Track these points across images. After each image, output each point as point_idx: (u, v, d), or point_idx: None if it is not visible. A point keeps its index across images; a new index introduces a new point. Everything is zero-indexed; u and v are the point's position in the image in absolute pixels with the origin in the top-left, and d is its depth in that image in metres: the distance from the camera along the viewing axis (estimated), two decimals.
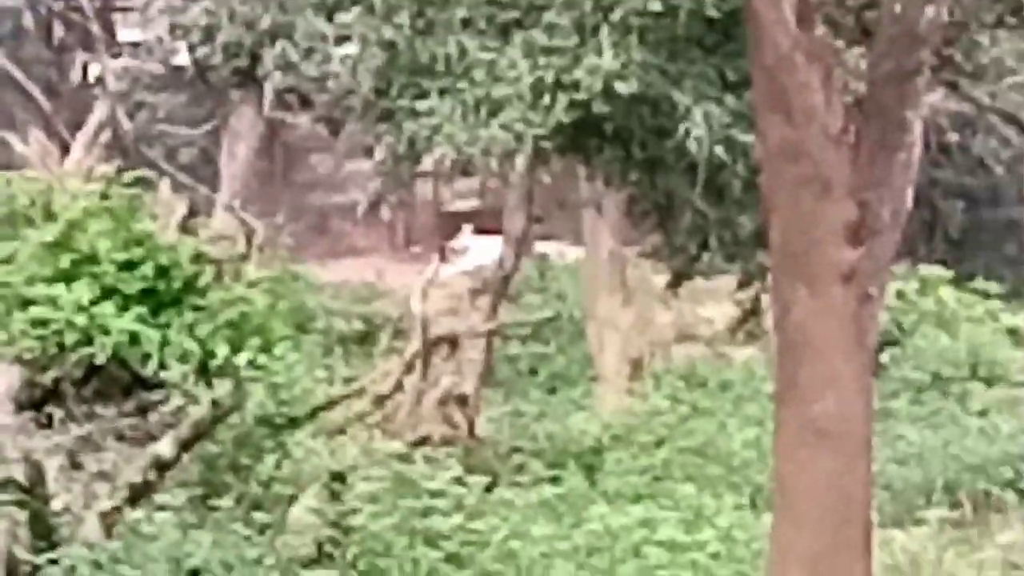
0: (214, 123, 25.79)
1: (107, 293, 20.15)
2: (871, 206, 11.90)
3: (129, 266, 20.14)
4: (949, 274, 26.30)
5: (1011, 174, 20.52)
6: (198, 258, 20.51)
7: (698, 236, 16.18)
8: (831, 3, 12.87)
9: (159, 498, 18.21)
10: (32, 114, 22.64)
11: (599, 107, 13.68)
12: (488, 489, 20.35)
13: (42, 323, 19.99)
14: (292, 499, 19.41)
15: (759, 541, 15.35)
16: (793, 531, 12.49)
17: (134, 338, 19.97)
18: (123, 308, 20.32)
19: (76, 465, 18.63)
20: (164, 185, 20.66)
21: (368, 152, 21.49)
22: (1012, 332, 21.89)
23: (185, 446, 18.43)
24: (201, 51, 22.12)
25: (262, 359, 20.55)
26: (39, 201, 20.51)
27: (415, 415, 21.92)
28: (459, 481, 20.12)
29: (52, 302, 19.90)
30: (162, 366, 19.87)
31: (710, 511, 18.68)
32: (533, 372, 25.20)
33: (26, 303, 20.04)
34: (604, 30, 14.07)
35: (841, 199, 11.91)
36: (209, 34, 19.62)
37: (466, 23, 14.62)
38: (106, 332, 19.95)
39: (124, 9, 25.45)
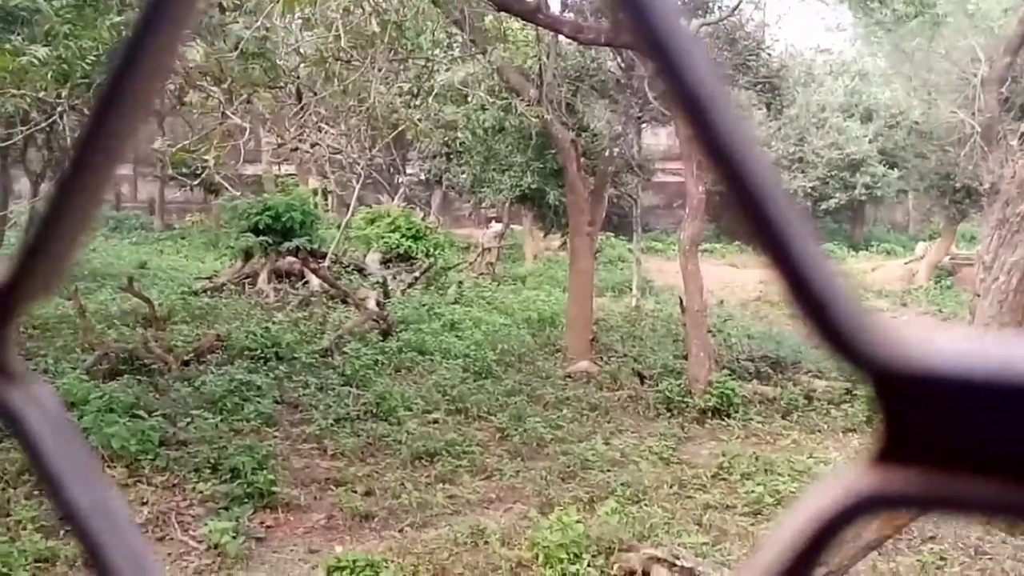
0: (430, 195, 29.58)
1: (401, 235, 22.20)
2: (584, 215, 15.24)
3: (407, 228, 22.36)
4: (612, 235, 26.79)
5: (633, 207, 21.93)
6: (424, 226, 22.48)
7: (552, 221, 20.32)
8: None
9: (412, 290, 19.58)
10: (383, 192, 24.68)
11: (526, 191, 18.07)
12: (498, 285, 21.76)
13: (386, 243, 22.05)
14: (449, 286, 20.08)
15: (565, 296, 16.98)
16: (573, 295, 15.63)
17: (408, 247, 21.87)
18: (405, 239, 22.06)
19: (393, 278, 19.73)
20: (417, 210, 24.45)
21: (470, 199, 24.63)
22: (629, 249, 22.30)
23: (419, 276, 20.23)
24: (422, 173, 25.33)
25: (442, 253, 22.27)
26: (385, 213, 22.60)
27: (478, 267, 23.49)
28: (490, 283, 21.59)
29: (388, 237, 22.07)
30: (414, 253, 21.84)
31: (555, 291, 20.14)
32: (512, 255, 25.89)
33: (381, 238, 22.17)
34: (528, 173, 17.52)
35: (586, 212, 15.26)
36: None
37: (494, 168, 18.30)
38: (400, 245, 21.91)
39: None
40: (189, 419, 10.52)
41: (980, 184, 13.89)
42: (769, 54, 17.27)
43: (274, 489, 9.16)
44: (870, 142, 30.07)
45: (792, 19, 60.42)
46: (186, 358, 12.94)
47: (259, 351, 13.56)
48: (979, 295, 6.72)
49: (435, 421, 11.73)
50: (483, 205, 24.24)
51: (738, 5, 14.84)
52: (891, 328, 0.30)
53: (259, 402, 11.39)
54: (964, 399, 0.30)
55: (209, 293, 17.91)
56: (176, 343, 13.69)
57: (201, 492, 9.07)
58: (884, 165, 30.45)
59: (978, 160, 17.01)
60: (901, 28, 17.15)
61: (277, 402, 11.75)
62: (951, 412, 0.30)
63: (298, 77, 10.59)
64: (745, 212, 0.31)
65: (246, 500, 8.97)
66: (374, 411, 11.75)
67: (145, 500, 8.79)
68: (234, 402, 11.28)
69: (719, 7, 14.92)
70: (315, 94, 10.97)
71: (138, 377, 11.74)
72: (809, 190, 30.92)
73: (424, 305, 18.01)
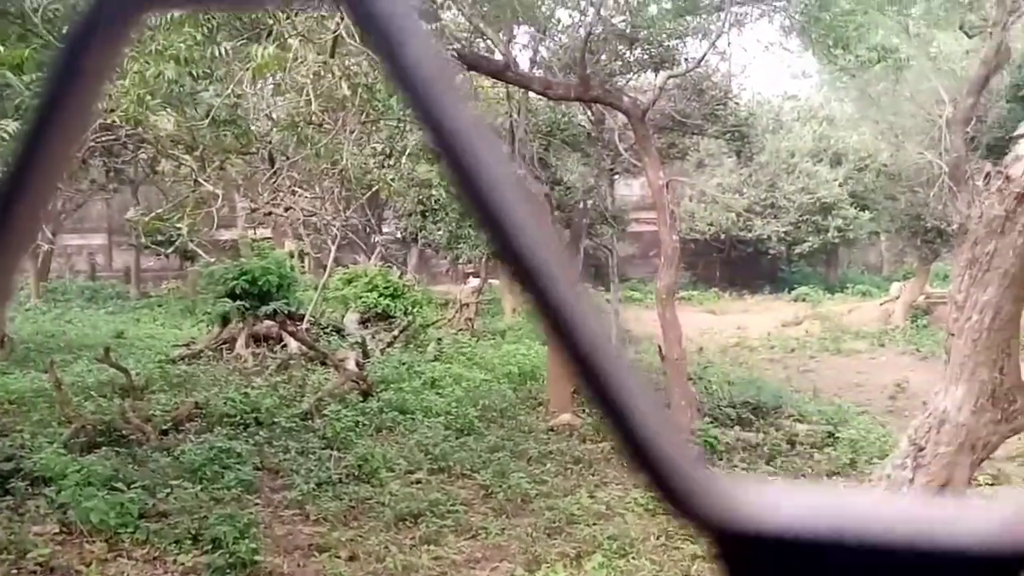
0: (406, 253, 27.06)
1: (379, 294, 21.58)
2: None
3: (385, 287, 21.72)
4: (589, 286, 26.09)
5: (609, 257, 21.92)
6: (402, 285, 22.09)
7: None
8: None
9: (391, 349, 19.41)
10: (359, 252, 23.78)
11: None
12: (477, 341, 21.83)
13: (364, 302, 21.53)
14: (428, 343, 20.00)
15: (545, 349, 16.58)
16: (553, 348, 16.71)
17: (386, 306, 21.40)
18: (383, 298, 21.46)
19: (372, 337, 19.63)
20: (394, 269, 24.19)
21: (446, 256, 24.56)
22: (607, 300, 23.19)
23: (398, 334, 19.97)
24: (398, 232, 25.22)
25: (420, 311, 21.98)
26: (362, 272, 22.44)
27: (457, 323, 23.44)
28: (470, 339, 21.66)
29: (366, 297, 21.54)
30: (392, 311, 21.41)
31: (534, 344, 19.15)
32: (490, 309, 25.64)
33: (359, 298, 21.61)
34: None
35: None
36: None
37: (469, 224, 19.20)
38: (378, 304, 21.48)
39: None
40: (169, 490, 10.33)
41: (949, 224, 14.18)
42: (737, 103, 17.42)
43: (256, 558, 8.94)
44: (840, 186, 30.43)
45: (758, 68, 61.86)
46: (164, 428, 12.67)
47: (238, 417, 13.40)
48: (953, 334, 6.76)
49: (418, 481, 11.58)
50: (460, 261, 24.37)
51: (703, 57, 15.05)
52: (729, 487, 0.31)
53: (239, 469, 11.22)
54: (801, 555, 0.31)
55: (187, 360, 17.79)
56: (154, 413, 13.44)
57: (183, 564, 8.85)
58: (855, 208, 30.70)
59: (947, 200, 17.06)
60: (866, 73, 17.37)
61: (257, 468, 11.58)
62: (789, 568, 0.31)
63: (270, 142, 10.69)
64: (582, 378, 0.32)
65: (228, 571, 8.77)
66: (356, 473, 11.56)
67: (126, 575, 8.52)
68: (214, 470, 11.10)
69: (685, 59, 15.03)
70: (288, 158, 11.08)
71: (116, 449, 11.53)
72: (783, 235, 31.04)
73: (404, 364, 17.80)
